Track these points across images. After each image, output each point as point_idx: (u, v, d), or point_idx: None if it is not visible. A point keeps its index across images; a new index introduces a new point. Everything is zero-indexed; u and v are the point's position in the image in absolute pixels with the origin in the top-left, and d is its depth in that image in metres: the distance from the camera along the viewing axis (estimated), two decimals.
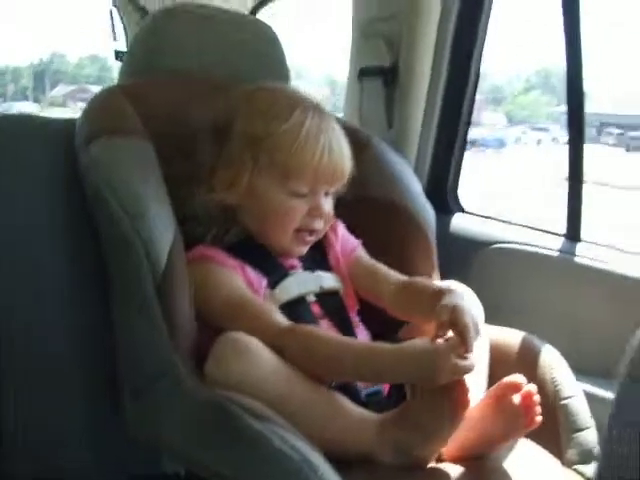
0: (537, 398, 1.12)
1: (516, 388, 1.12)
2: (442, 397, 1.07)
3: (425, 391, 1.09)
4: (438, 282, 1.45)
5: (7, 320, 1.27)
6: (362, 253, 1.42)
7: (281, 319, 1.19)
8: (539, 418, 1.12)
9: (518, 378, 1.13)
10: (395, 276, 1.38)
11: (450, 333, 1.10)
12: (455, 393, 1.07)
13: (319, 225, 1.30)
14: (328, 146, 1.25)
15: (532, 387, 1.12)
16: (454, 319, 1.10)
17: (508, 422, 1.13)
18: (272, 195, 1.26)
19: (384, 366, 1.10)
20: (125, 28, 3.12)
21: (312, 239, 1.32)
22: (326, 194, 1.30)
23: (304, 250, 1.33)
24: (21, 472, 1.30)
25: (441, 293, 1.19)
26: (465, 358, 1.07)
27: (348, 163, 1.29)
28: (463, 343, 1.07)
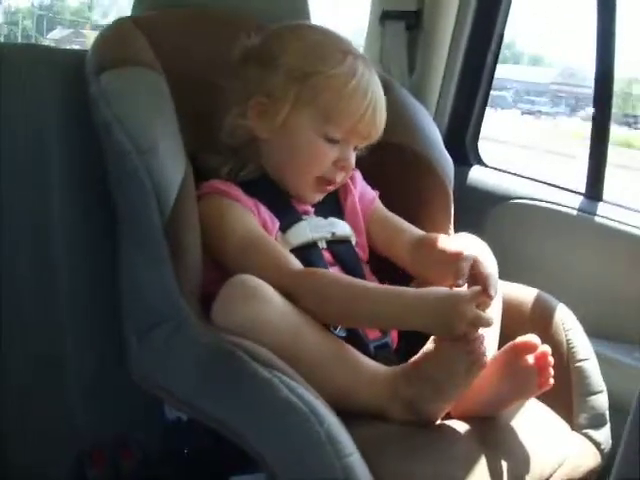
0: (551, 359, 1.10)
1: (530, 348, 1.10)
2: (458, 353, 1.04)
3: (439, 346, 1.06)
4: (454, 235, 1.42)
5: (11, 258, 1.26)
6: (380, 206, 1.40)
7: (296, 262, 1.17)
8: (552, 380, 1.10)
9: (533, 338, 1.11)
10: (413, 231, 1.36)
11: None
12: (472, 350, 1.04)
13: (340, 177, 1.28)
14: (374, 102, 1.23)
15: (546, 348, 1.10)
16: (475, 270, 1.10)
17: (520, 382, 1.11)
18: (305, 134, 1.23)
19: (403, 310, 1.08)
20: None
21: (329, 189, 1.30)
22: (355, 148, 1.27)
23: (319, 198, 1.31)
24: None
25: (461, 251, 1.17)
26: (485, 310, 1.05)
27: (384, 122, 1.26)
28: (484, 293, 1.05)
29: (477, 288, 1.06)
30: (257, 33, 1.28)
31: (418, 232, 1.36)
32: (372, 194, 1.39)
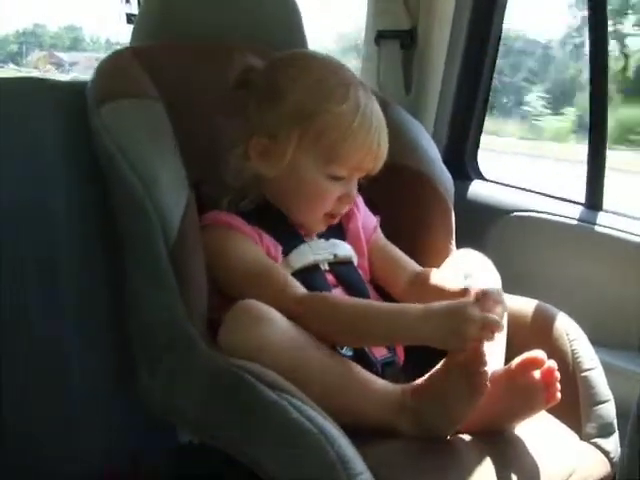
0: (558, 374, 1.10)
1: (537, 363, 1.10)
2: (463, 371, 1.04)
3: (447, 365, 1.07)
4: (455, 253, 1.44)
5: (16, 288, 1.26)
6: (380, 235, 1.40)
7: (299, 288, 1.17)
8: (559, 395, 1.11)
9: (539, 353, 1.11)
10: (411, 265, 1.37)
11: None
12: (475, 372, 1.04)
13: (345, 210, 1.29)
14: (378, 135, 1.22)
15: (553, 363, 1.10)
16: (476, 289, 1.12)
17: (528, 398, 1.11)
18: (310, 175, 1.22)
19: (411, 324, 1.07)
20: None
21: (334, 221, 1.30)
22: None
23: (323, 228, 1.31)
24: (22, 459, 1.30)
25: (460, 293, 1.19)
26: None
27: (386, 153, 1.25)
28: (487, 299, 1.06)
29: (481, 298, 1.07)
30: (254, 58, 1.27)
31: (415, 267, 1.37)
32: (373, 221, 1.40)
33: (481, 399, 1.06)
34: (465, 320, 1.03)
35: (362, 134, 1.19)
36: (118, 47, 1.44)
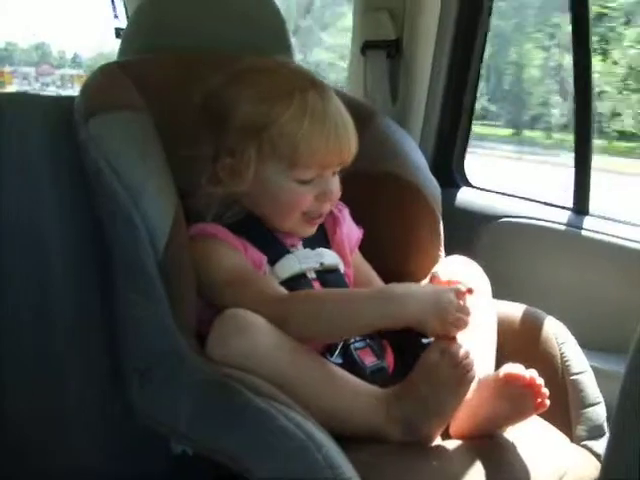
0: (541, 381, 1.11)
1: (517, 379, 1.11)
2: (445, 369, 1.06)
3: (427, 363, 1.07)
4: (445, 260, 1.44)
5: (10, 305, 1.26)
6: (358, 253, 1.41)
7: (282, 290, 1.18)
8: (548, 401, 1.11)
9: (518, 369, 1.11)
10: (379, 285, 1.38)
11: None
12: (459, 364, 1.06)
13: (327, 208, 1.28)
14: (334, 130, 1.20)
15: (532, 373, 1.11)
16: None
17: (517, 403, 1.12)
18: (278, 183, 1.22)
19: (395, 305, 1.09)
20: (125, 5, 3.10)
21: (319, 220, 1.29)
22: (333, 173, 1.26)
23: (311, 231, 1.30)
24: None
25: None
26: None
27: (354, 140, 1.24)
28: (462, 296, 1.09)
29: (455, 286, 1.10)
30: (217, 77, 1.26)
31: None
32: (357, 234, 1.40)
33: (465, 393, 1.07)
34: (448, 303, 1.06)
35: (315, 135, 1.18)
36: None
